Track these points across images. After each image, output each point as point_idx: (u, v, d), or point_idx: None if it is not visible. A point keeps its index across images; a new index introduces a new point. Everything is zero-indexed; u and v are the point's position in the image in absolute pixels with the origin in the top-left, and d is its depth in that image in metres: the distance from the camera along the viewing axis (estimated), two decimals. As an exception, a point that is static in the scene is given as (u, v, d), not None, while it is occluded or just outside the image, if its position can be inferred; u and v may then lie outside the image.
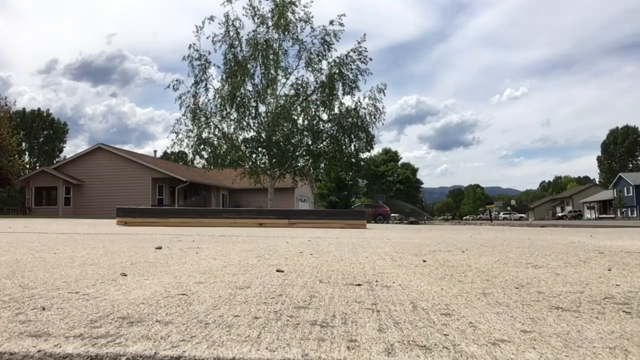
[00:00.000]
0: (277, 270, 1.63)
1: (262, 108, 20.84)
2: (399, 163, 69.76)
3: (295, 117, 20.73)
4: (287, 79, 20.94)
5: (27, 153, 62.71)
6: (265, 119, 20.61)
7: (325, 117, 20.95)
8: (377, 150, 65.82)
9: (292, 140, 20.92)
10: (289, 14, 20.26)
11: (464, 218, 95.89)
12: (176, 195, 30.35)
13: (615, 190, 64.83)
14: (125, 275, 1.49)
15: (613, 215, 62.57)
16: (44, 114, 68.14)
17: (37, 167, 45.24)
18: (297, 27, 20.53)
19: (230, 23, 20.06)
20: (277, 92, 20.77)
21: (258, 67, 20.56)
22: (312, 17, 20.30)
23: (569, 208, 77.47)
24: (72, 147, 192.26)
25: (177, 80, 20.67)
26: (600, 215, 65.63)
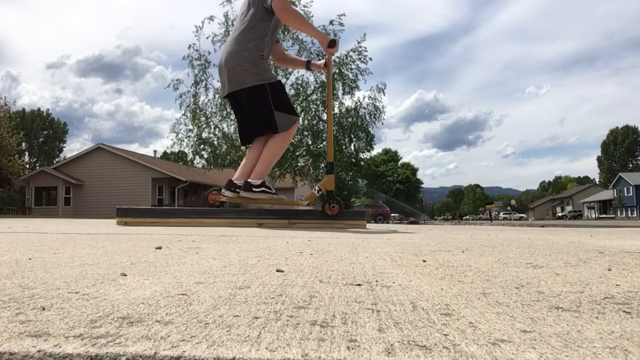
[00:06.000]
0: (277, 270, 1.63)
1: (262, 108, 20.86)
2: (399, 163, 69.72)
3: (295, 117, 20.73)
4: (287, 78, 20.97)
5: (27, 153, 62.68)
6: (265, 119, 20.61)
7: (325, 117, 20.95)
8: (377, 150, 65.82)
9: (292, 140, 20.96)
10: (289, 14, 20.28)
11: (463, 218, 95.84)
12: (176, 195, 30.34)
13: (615, 190, 64.86)
14: (125, 275, 1.49)
15: (613, 215, 62.56)
16: (44, 114, 68.12)
17: (37, 167, 45.20)
18: (297, 27, 20.56)
19: (230, 23, 20.07)
20: (277, 92, 20.78)
21: (258, 67, 20.58)
22: (312, 16, 20.32)
23: (569, 208, 77.42)
24: (79, 145, 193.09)
25: (177, 80, 20.71)
26: (600, 215, 65.62)
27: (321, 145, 20.97)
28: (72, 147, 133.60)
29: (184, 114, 20.63)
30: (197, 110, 20.47)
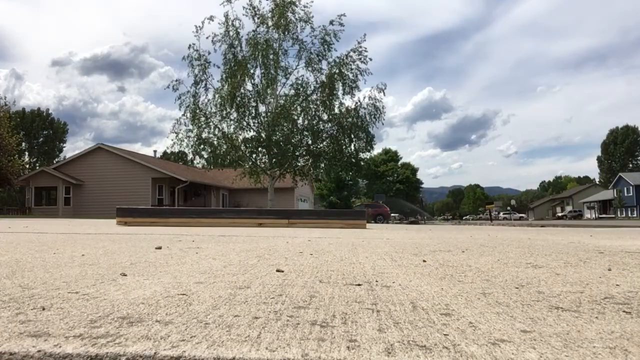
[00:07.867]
0: (277, 270, 1.63)
1: (262, 108, 20.83)
2: (399, 163, 69.71)
3: (295, 117, 20.71)
4: (287, 78, 20.94)
5: (27, 153, 62.65)
6: (265, 119, 20.59)
7: (325, 117, 20.93)
8: (377, 150, 65.79)
9: (292, 140, 20.91)
10: (289, 14, 20.25)
11: (464, 218, 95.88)
12: (176, 195, 30.34)
13: (615, 190, 64.84)
14: (125, 275, 1.49)
15: (613, 215, 62.57)
16: (44, 114, 68.09)
17: (37, 167, 45.23)
18: (297, 27, 20.53)
19: (230, 23, 20.04)
20: (277, 92, 20.76)
21: (258, 67, 20.55)
22: (312, 16, 20.30)
23: (569, 208, 77.43)
24: (83, 144, 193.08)
25: (176, 80, 20.65)
26: (600, 215, 65.61)
27: (321, 145, 20.94)
28: (76, 146, 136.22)
29: (183, 114, 20.61)
30: (197, 111, 20.44)
